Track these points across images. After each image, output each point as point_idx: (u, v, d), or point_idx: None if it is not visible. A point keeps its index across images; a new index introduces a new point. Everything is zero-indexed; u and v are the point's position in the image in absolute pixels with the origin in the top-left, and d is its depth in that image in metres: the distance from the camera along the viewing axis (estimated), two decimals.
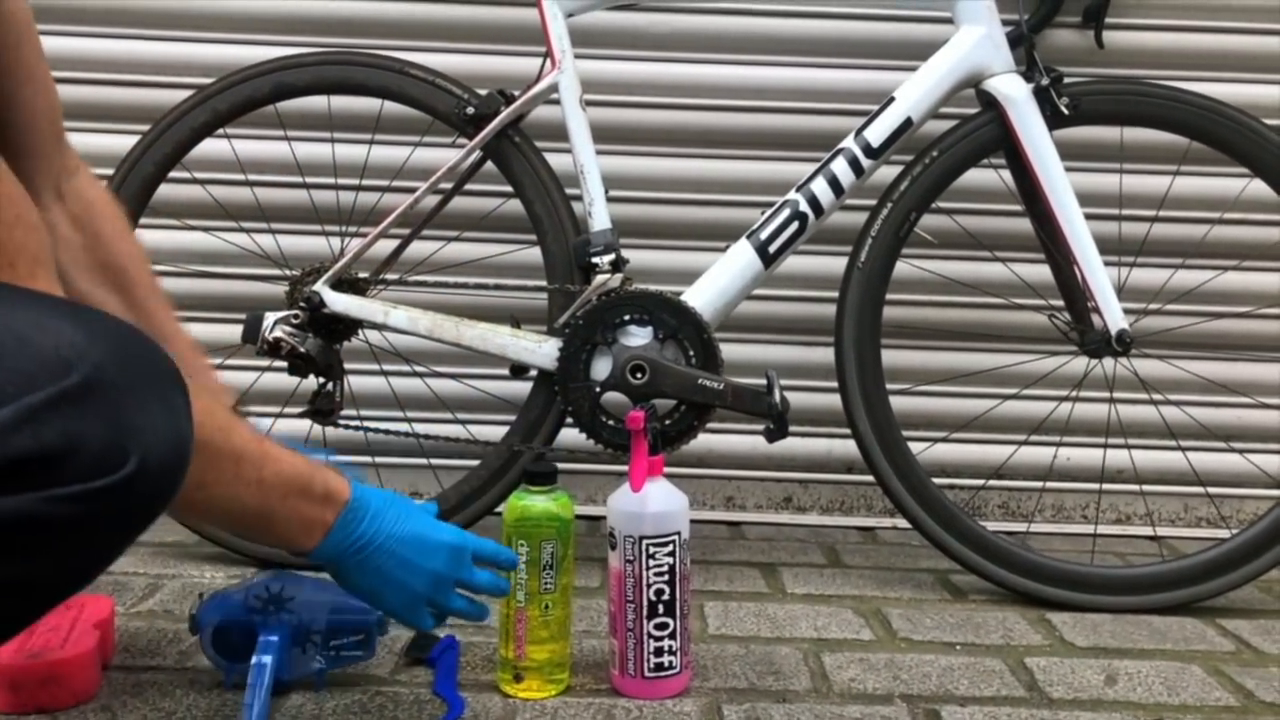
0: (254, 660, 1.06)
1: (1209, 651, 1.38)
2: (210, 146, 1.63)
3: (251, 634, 1.10)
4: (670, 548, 1.15)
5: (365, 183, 1.74)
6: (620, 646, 1.16)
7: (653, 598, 1.15)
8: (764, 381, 1.50)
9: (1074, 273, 1.54)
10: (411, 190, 1.55)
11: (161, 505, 0.72)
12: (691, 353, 1.49)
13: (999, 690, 1.23)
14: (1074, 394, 1.74)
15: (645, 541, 1.14)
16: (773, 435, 1.49)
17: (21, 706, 1.08)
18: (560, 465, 1.72)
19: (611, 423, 1.50)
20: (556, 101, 1.53)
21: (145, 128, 1.59)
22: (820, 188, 1.51)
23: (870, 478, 1.59)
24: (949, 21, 1.55)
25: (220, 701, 1.12)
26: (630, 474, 1.17)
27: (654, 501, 1.16)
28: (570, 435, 1.55)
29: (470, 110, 1.55)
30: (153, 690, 1.15)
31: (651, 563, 1.14)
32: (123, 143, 1.60)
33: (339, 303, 1.52)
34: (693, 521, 1.21)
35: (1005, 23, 1.54)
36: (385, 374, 1.75)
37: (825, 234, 1.59)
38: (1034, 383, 1.79)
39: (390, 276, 1.60)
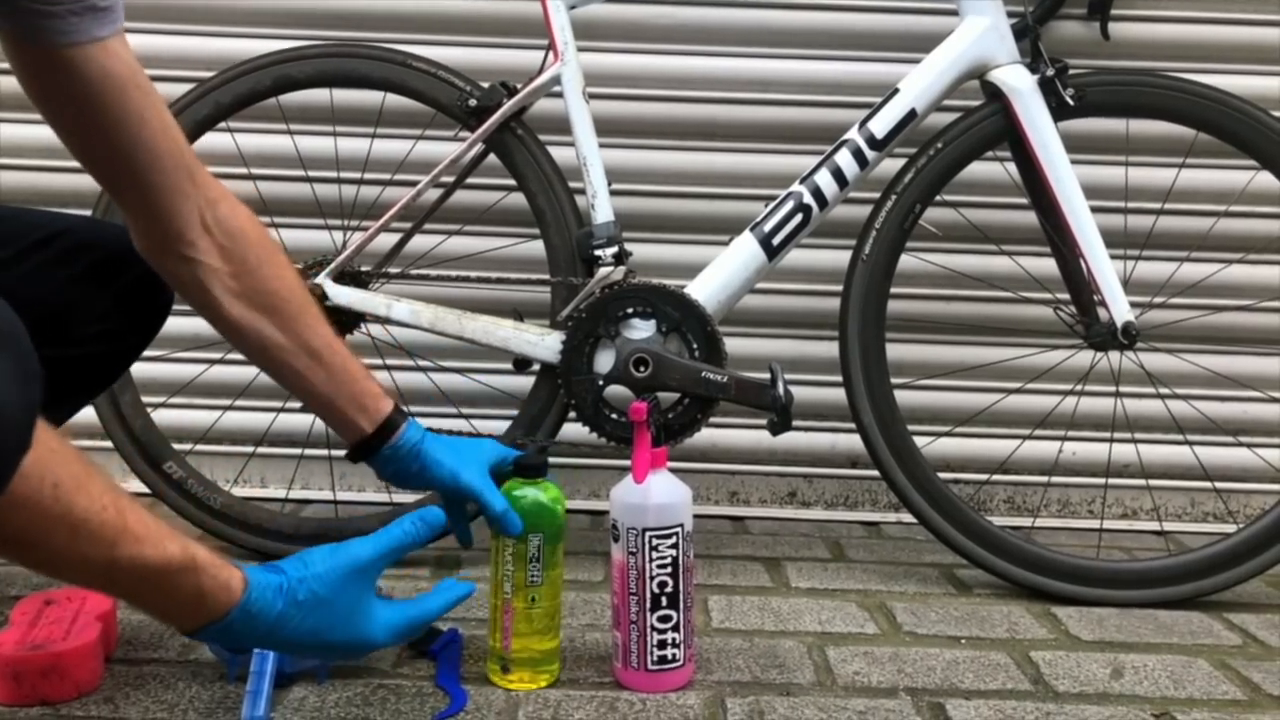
0: (256, 650, 1.06)
1: (1215, 645, 1.37)
2: (212, 140, 1.63)
3: None
4: (673, 540, 1.15)
5: (367, 176, 1.74)
6: (623, 639, 1.16)
7: (655, 590, 1.14)
8: (768, 375, 1.49)
9: (1079, 265, 1.53)
10: (414, 183, 1.55)
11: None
12: (695, 346, 1.49)
13: (1004, 684, 1.23)
14: (1079, 388, 1.74)
15: (648, 533, 1.14)
16: (777, 428, 1.48)
17: (24, 698, 1.08)
18: (563, 459, 1.75)
19: (615, 416, 1.49)
20: (559, 94, 1.53)
21: None
22: (824, 180, 1.51)
23: (875, 472, 1.58)
24: (954, 13, 1.54)
25: (223, 694, 1.12)
26: (633, 466, 1.16)
27: (657, 493, 1.16)
28: (574, 429, 1.54)
29: (473, 102, 1.55)
30: (155, 682, 1.15)
31: (654, 555, 1.14)
32: None
33: (341, 296, 1.52)
34: (696, 516, 1.20)
35: (1010, 14, 1.54)
36: (388, 368, 1.74)
37: (829, 227, 1.58)
38: (1039, 376, 1.79)
39: (393, 270, 1.60)
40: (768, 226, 1.51)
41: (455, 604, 1.02)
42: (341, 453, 1.19)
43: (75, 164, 0.99)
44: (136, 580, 0.80)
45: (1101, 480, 1.84)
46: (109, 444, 1.57)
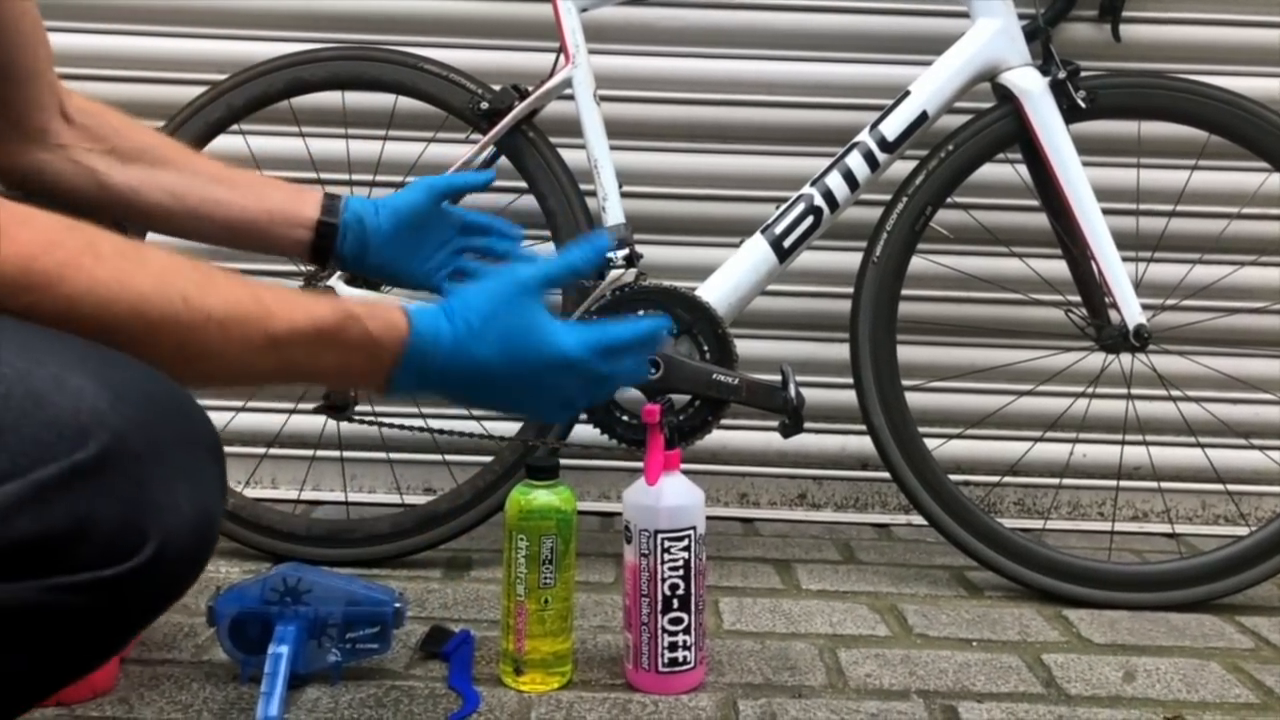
0: (270, 649, 1.06)
1: (1228, 648, 1.37)
2: (225, 142, 1.63)
3: (268, 626, 1.10)
4: (685, 542, 1.15)
5: (379, 179, 1.74)
6: (634, 641, 1.16)
7: (667, 592, 1.14)
8: (779, 377, 1.49)
9: (1091, 268, 1.53)
10: None
11: (179, 593, 0.66)
12: (706, 348, 1.49)
13: (1016, 686, 1.23)
14: (1091, 390, 1.73)
15: (660, 535, 1.14)
16: (788, 431, 1.48)
17: None
18: (575, 461, 1.75)
19: (626, 418, 1.49)
20: (570, 96, 1.53)
21: (160, 124, 1.60)
22: (835, 182, 1.51)
23: (885, 474, 1.58)
24: (965, 15, 1.54)
25: (237, 694, 1.13)
26: (646, 468, 1.17)
27: (669, 495, 1.16)
28: (585, 431, 1.54)
29: (484, 105, 1.55)
30: (169, 683, 1.15)
31: (666, 557, 1.14)
32: None
33: (353, 297, 1.52)
34: (707, 518, 1.20)
35: (1021, 16, 1.53)
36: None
37: (840, 229, 1.58)
38: (1050, 378, 1.78)
39: None
40: (779, 229, 1.51)
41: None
42: (353, 454, 1.17)
43: None
44: (307, 350, 0.74)
45: (1113, 482, 1.83)
46: None
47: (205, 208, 1.01)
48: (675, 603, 1.15)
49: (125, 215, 1.01)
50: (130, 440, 0.59)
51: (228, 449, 1.68)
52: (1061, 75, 1.50)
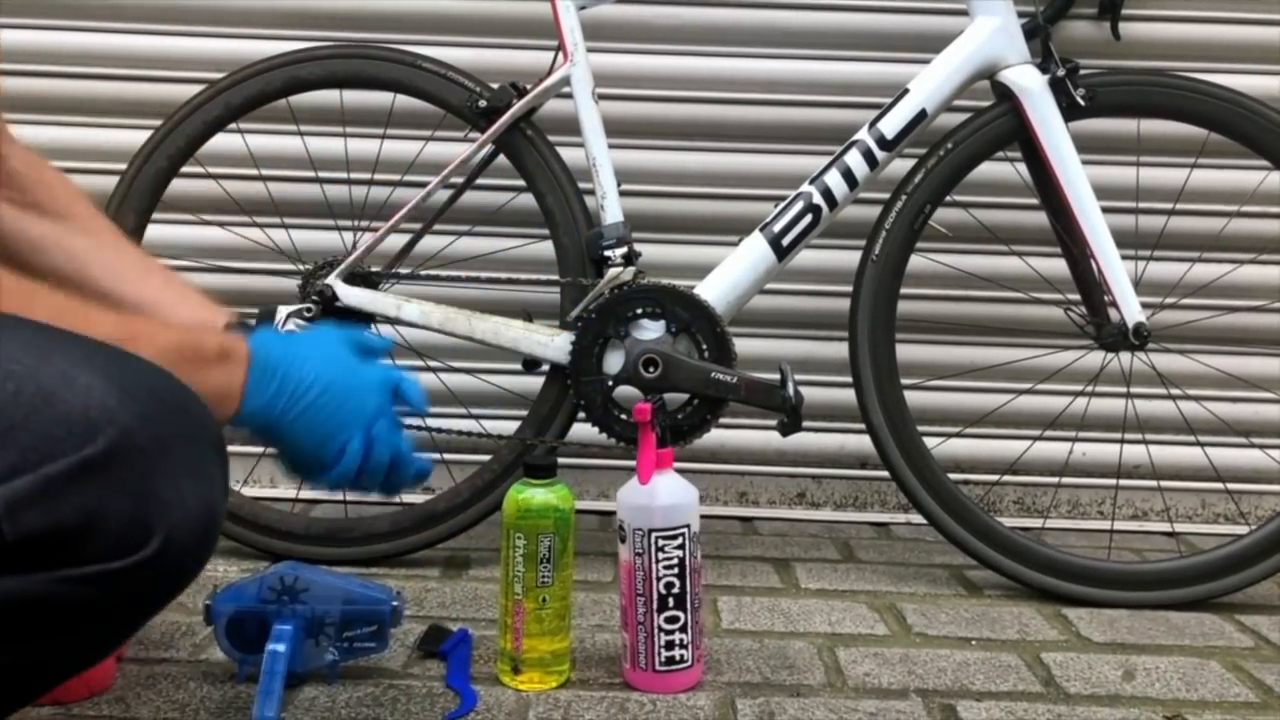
0: (268, 648, 1.06)
1: (1227, 647, 1.36)
2: (223, 141, 1.63)
3: (265, 625, 1.10)
4: (679, 541, 1.15)
5: (377, 177, 1.74)
6: (631, 640, 1.16)
7: (663, 591, 1.14)
8: (777, 375, 1.49)
9: (1090, 266, 1.53)
10: (424, 184, 1.55)
11: (182, 586, 0.67)
12: (704, 346, 1.49)
13: (1015, 685, 1.22)
14: (1090, 388, 1.73)
15: (654, 534, 1.14)
16: (786, 429, 1.48)
17: None
18: (573, 460, 1.75)
19: (624, 417, 1.49)
20: (569, 95, 1.53)
21: (157, 122, 1.60)
22: (834, 180, 1.51)
23: (884, 473, 1.58)
24: (964, 13, 1.54)
25: (234, 694, 1.12)
26: (638, 466, 1.17)
27: (663, 494, 1.16)
28: (583, 430, 1.54)
29: (482, 103, 1.55)
30: (166, 682, 1.15)
31: (661, 556, 1.14)
32: (135, 138, 1.60)
33: (351, 296, 1.52)
34: (705, 517, 1.20)
35: (1021, 14, 1.53)
36: (398, 368, 1.74)
37: (839, 227, 1.58)
38: (1050, 377, 1.78)
39: (403, 271, 1.60)
40: (777, 227, 1.51)
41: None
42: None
43: None
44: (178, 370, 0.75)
45: (1112, 481, 1.83)
46: None
47: (101, 285, 0.96)
48: (671, 601, 1.14)
49: (21, 267, 0.92)
50: (137, 436, 0.61)
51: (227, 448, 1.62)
52: (1061, 73, 1.50)
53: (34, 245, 0.96)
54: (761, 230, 1.52)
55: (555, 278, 1.56)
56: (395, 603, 1.16)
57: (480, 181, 1.63)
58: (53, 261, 0.96)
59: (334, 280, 1.52)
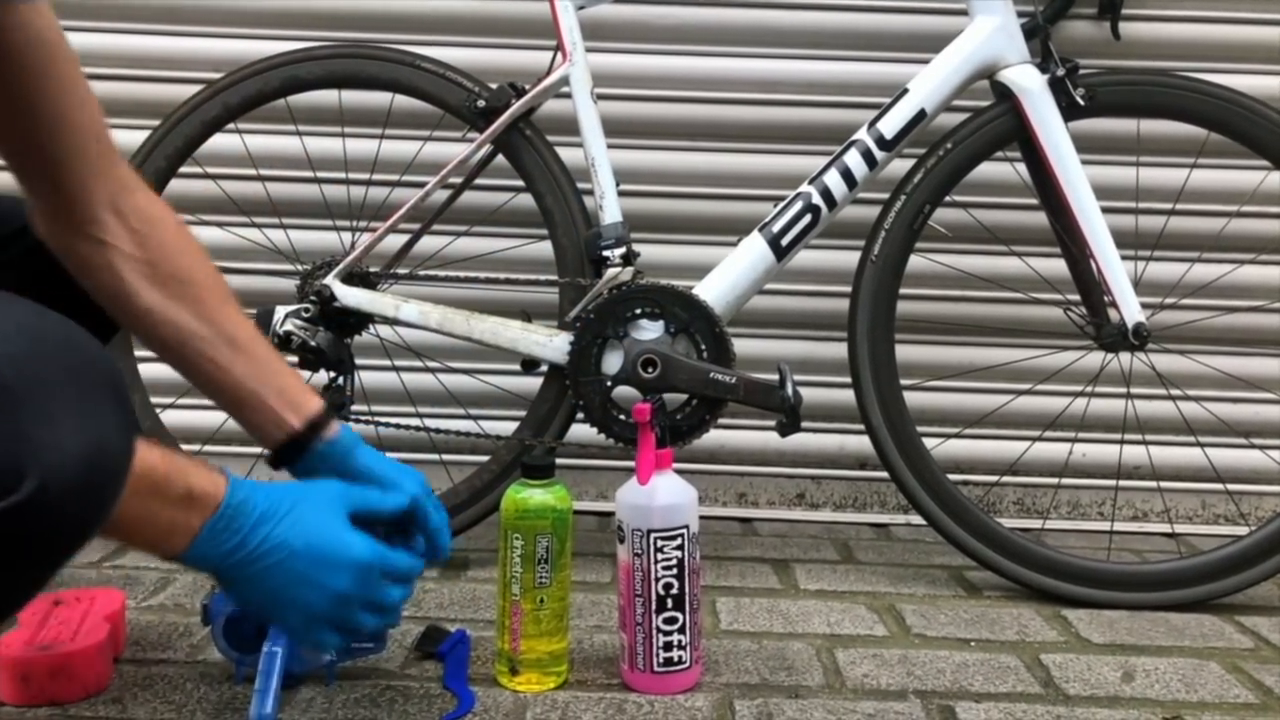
0: (265, 647, 1.06)
1: (1227, 648, 1.36)
2: (221, 141, 1.63)
3: (263, 625, 1.09)
4: (678, 541, 1.14)
5: (376, 177, 1.74)
6: (629, 640, 1.16)
7: (661, 591, 1.14)
8: (776, 376, 1.49)
9: (1090, 266, 1.52)
10: (422, 184, 1.54)
11: (80, 532, 0.64)
12: (703, 347, 1.48)
13: (1014, 686, 1.22)
14: (1090, 389, 1.73)
15: (653, 535, 1.14)
16: (785, 429, 1.48)
17: (32, 699, 1.08)
18: (572, 461, 1.75)
19: (623, 417, 1.49)
20: (567, 95, 1.53)
21: (156, 122, 1.60)
22: (833, 180, 1.50)
23: (884, 474, 1.58)
24: (963, 13, 1.53)
25: (231, 694, 1.12)
26: (637, 467, 1.16)
27: (662, 494, 1.15)
28: (581, 430, 1.54)
29: (481, 103, 1.54)
30: (163, 683, 1.15)
31: (659, 556, 1.14)
32: (133, 138, 1.60)
33: (350, 297, 1.52)
34: (705, 517, 1.20)
35: (1020, 14, 1.53)
36: (396, 369, 1.74)
37: (838, 227, 1.58)
38: (1049, 377, 1.78)
39: (401, 271, 1.60)
40: (776, 227, 1.51)
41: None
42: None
43: None
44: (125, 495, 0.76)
45: (1112, 482, 1.82)
46: None
47: (200, 364, 1.00)
48: (670, 602, 1.14)
49: (129, 328, 1.01)
50: (3, 375, 0.58)
51: (225, 448, 1.64)
52: (1060, 73, 1.49)
53: (145, 315, 0.97)
54: (760, 230, 1.52)
55: (554, 278, 1.56)
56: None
57: (479, 181, 1.63)
58: (160, 335, 0.99)
59: (332, 280, 1.52)
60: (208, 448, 1.76)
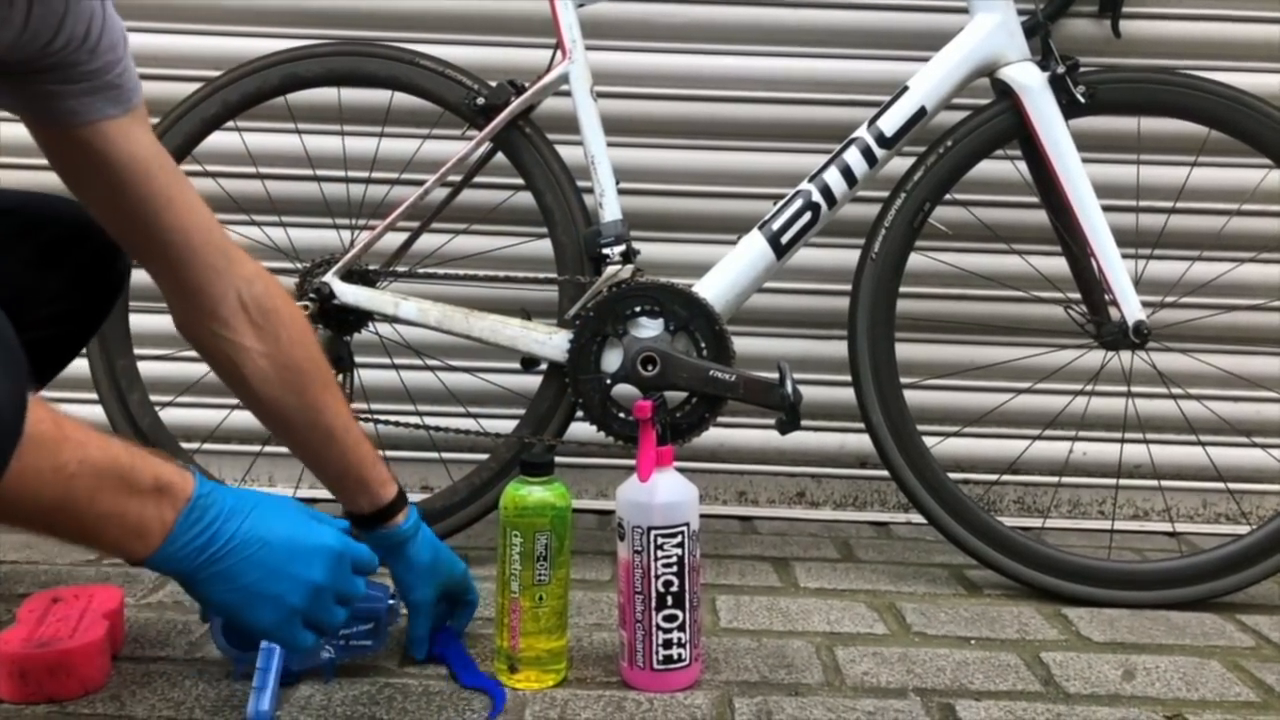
0: (263, 644, 1.05)
1: (1228, 647, 1.36)
2: (220, 139, 1.63)
3: None
4: (679, 539, 1.14)
5: (375, 175, 1.74)
6: (629, 638, 1.15)
7: (661, 589, 1.14)
8: (776, 374, 1.49)
9: (1090, 264, 1.52)
10: (421, 182, 1.54)
11: None
12: (703, 344, 1.48)
13: (1015, 685, 1.22)
14: (1090, 387, 1.73)
15: (653, 532, 1.13)
16: (785, 427, 1.48)
17: (30, 696, 1.08)
18: (571, 459, 1.74)
19: (622, 415, 1.49)
20: (567, 92, 1.53)
21: (154, 120, 1.59)
22: (833, 178, 1.50)
23: (884, 472, 1.57)
24: (964, 10, 1.53)
25: (229, 692, 1.12)
26: (638, 464, 1.16)
27: (662, 492, 1.15)
28: (581, 428, 1.54)
29: (480, 101, 1.54)
30: (161, 680, 1.14)
31: (659, 554, 1.13)
32: None
33: (349, 294, 1.52)
34: (705, 516, 1.20)
35: (1021, 11, 1.52)
36: (395, 366, 1.74)
37: (838, 225, 1.58)
38: (1050, 376, 1.77)
39: (400, 268, 1.60)
40: (776, 225, 1.51)
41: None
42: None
43: None
44: (91, 487, 0.78)
45: (1113, 481, 1.82)
46: None
47: (300, 449, 1.13)
48: (669, 599, 1.14)
49: (244, 404, 1.11)
50: None
51: (224, 446, 1.66)
52: (1061, 70, 1.49)
53: (256, 399, 1.08)
54: (760, 228, 1.51)
55: (553, 276, 1.56)
56: (392, 601, 1.15)
57: (478, 179, 1.63)
58: (268, 418, 1.11)
59: (331, 278, 1.52)
60: (206, 445, 1.76)
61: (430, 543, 1.18)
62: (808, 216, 1.50)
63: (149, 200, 0.96)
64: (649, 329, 1.49)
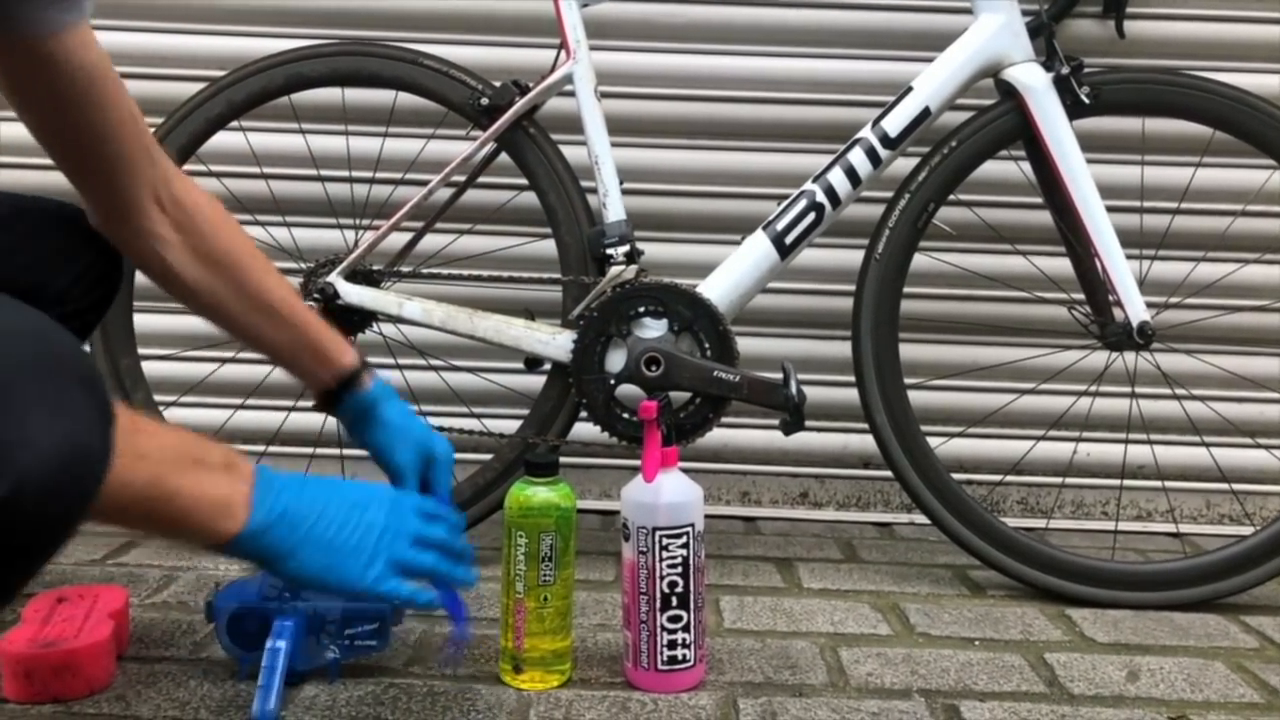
0: (268, 644, 1.06)
1: (1232, 648, 1.36)
2: (225, 139, 1.63)
3: (267, 622, 1.09)
4: (684, 539, 1.14)
5: (379, 175, 1.74)
6: (633, 639, 1.16)
7: (665, 590, 1.14)
8: (780, 374, 1.49)
9: (1094, 265, 1.52)
10: (425, 182, 1.54)
11: (58, 532, 0.63)
12: (707, 345, 1.48)
13: (1019, 685, 1.22)
14: (1094, 388, 1.72)
15: (658, 533, 1.13)
16: (789, 428, 1.48)
17: (36, 695, 1.08)
18: (576, 459, 1.74)
19: (626, 415, 1.49)
20: (571, 93, 1.53)
21: (159, 120, 1.60)
22: (837, 178, 1.50)
23: (888, 473, 1.57)
24: (968, 11, 1.53)
25: (234, 692, 1.12)
26: (643, 464, 1.16)
27: (667, 492, 1.15)
28: (585, 429, 1.54)
29: (485, 101, 1.54)
30: (166, 680, 1.15)
31: (664, 554, 1.13)
32: None
33: (353, 294, 1.52)
34: (708, 516, 1.20)
35: (1025, 12, 1.52)
36: (399, 367, 1.74)
37: (842, 226, 1.58)
38: (1054, 376, 1.77)
39: (405, 269, 1.60)
40: (780, 225, 1.51)
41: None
42: (352, 452, 1.19)
43: None
44: (174, 468, 0.79)
45: (1116, 481, 1.82)
46: None
47: (244, 332, 1.12)
48: (674, 600, 1.14)
49: (182, 303, 1.10)
50: None
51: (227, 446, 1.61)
52: (1065, 71, 1.49)
53: (191, 287, 1.08)
54: (764, 229, 1.51)
55: (557, 276, 1.56)
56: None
57: (482, 179, 1.63)
58: (207, 304, 1.09)
59: (335, 278, 1.52)
60: None
61: (403, 407, 1.19)
62: (812, 217, 1.50)
63: (96, 109, 0.93)
64: (653, 329, 1.49)
